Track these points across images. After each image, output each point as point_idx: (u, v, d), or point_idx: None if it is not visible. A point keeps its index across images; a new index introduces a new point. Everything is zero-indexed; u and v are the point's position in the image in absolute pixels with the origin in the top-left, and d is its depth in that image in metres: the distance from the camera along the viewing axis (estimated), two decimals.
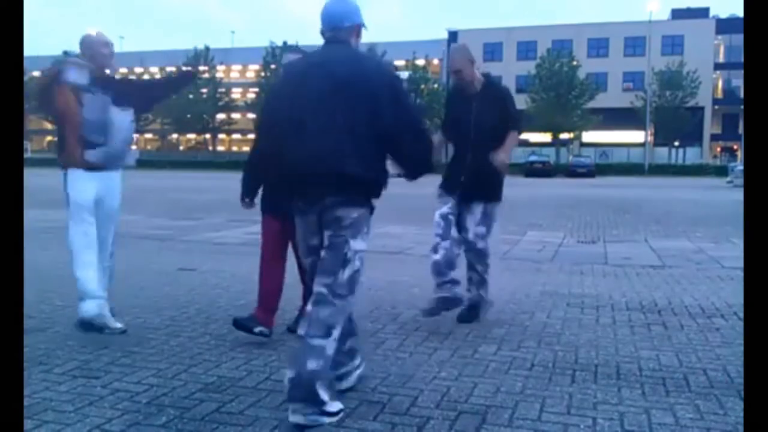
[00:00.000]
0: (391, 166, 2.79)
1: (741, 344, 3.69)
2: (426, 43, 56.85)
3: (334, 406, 2.63)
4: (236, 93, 61.68)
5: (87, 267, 3.77)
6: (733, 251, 7.64)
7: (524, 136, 62.25)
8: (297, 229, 2.88)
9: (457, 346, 3.72)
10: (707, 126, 56.28)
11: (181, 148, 68.47)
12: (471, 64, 4.11)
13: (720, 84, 58.85)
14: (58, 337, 3.76)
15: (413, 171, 2.83)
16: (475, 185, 4.10)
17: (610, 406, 2.85)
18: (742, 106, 38.15)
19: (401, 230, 8.63)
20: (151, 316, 4.31)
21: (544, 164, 40.92)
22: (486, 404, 2.84)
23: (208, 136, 62.84)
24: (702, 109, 54.03)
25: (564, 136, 52.08)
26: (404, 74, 46.65)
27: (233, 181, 5.33)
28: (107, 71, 3.94)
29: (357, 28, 2.85)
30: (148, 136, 66.86)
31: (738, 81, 54.19)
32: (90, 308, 3.75)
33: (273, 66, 51.20)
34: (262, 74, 54.60)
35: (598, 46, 58.28)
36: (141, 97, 4.10)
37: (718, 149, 58.70)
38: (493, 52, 59.37)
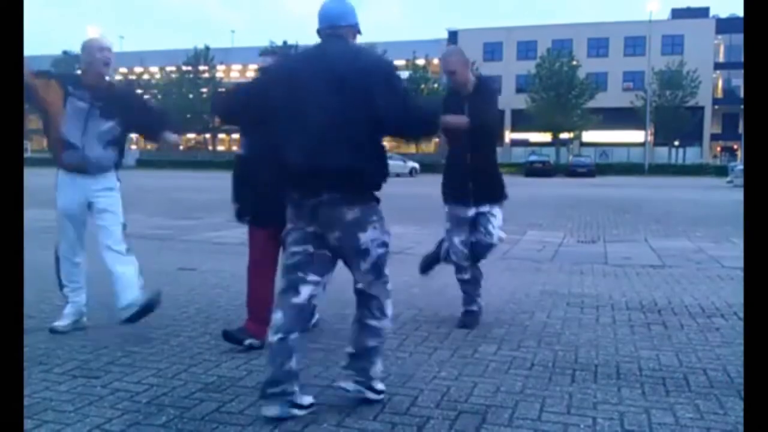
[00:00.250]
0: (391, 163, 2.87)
1: (741, 344, 3.69)
2: (426, 42, 56.84)
3: (380, 386, 2.88)
4: None
5: (66, 274, 3.97)
6: (733, 251, 7.64)
7: (524, 135, 62.26)
8: (288, 219, 2.82)
9: (457, 346, 3.72)
10: (707, 126, 56.28)
11: (181, 147, 68.42)
12: (465, 67, 4.11)
13: (720, 84, 58.86)
14: (58, 337, 3.76)
15: (422, 137, 3.06)
16: (487, 189, 4.13)
17: (610, 405, 2.85)
18: (742, 106, 38.17)
19: (401, 230, 8.62)
20: (151, 315, 4.30)
21: (544, 164, 40.89)
22: (486, 404, 2.84)
23: (208, 135, 62.80)
24: (702, 108, 54.03)
25: (564, 135, 52.07)
26: (404, 74, 46.66)
27: None
28: (107, 78, 3.90)
29: (354, 29, 2.87)
30: None
31: (738, 81, 54.20)
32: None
33: None
34: None
35: (598, 46, 58.28)
36: (132, 118, 3.96)
37: (718, 149, 58.70)
38: (493, 51, 59.42)
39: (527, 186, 23.80)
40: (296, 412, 2.65)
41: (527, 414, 2.74)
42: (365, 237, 2.70)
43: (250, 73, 61.90)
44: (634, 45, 56.82)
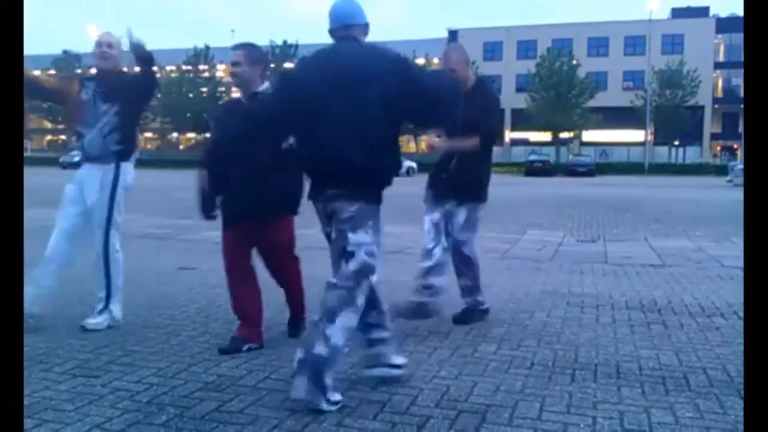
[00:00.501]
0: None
1: (741, 343, 3.69)
2: (426, 42, 56.77)
3: (335, 396, 2.71)
4: (236, 92, 61.37)
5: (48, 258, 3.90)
6: (733, 250, 7.64)
7: (524, 134, 62.24)
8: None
9: (456, 346, 3.72)
10: (707, 125, 56.30)
11: (181, 147, 68.37)
12: (466, 66, 4.11)
13: (720, 83, 58.87)
14: (58, 337, 3.76)
15: (453, 127, 3.03)
16: (455, 186, 4.00)
17: (609, 405, 2.85)
18: (742, 105, 38.18)
19: (400, 230, 8.61)
20: (151, 315, 4.31)
21: (544, 163, 40.92)
22: (486, 403, 2.84)
23: (208, 135, 62.68)
24: (702, 108, 54.06)
25: (564, 135, 52.10)
26: None
27: None
28: (116, 68, 4.12)
29: (365, 27, 2.93)
30: (148, 135, 66.77)
31: (738, 80, 54.20)
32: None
33: (273, 65, 51.12)
34: None
35: (598, 45, 58.31)
36: (131, 91, 4.10)
37: (718, 148, 58.71)
38: (493, 51, 59.44)
39: (527, 185, 23.81)
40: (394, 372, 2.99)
41: (527, 413, 2.73)
42: (354, 238, 2.73)
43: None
44: (634, 44, 56.83)
